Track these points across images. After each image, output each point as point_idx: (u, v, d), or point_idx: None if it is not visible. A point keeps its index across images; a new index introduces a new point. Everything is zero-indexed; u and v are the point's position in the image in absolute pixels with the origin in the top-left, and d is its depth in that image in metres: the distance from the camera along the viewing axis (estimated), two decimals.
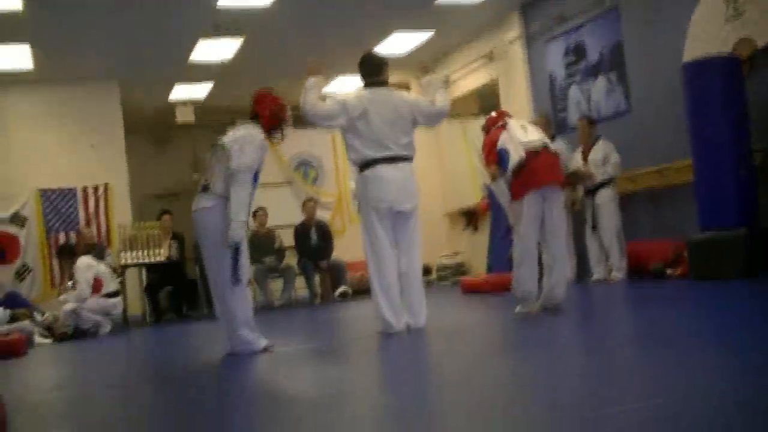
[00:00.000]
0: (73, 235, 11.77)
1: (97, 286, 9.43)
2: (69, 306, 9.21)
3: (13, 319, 8.67)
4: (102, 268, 9.64)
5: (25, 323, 8.65)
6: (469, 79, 12.91)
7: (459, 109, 12.96)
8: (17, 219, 11.66)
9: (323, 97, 5.99)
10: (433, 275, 13.19)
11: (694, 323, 4.99)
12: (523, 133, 6.11)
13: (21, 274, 11.57)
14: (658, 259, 8.42)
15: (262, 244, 11.43)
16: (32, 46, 10.03)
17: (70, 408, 4.31)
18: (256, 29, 10.56)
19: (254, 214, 11.28)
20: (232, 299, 5.41)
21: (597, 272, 9.10)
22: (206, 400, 4.04)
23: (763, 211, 7.43)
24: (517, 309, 6.18)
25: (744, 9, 7.84)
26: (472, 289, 9.54)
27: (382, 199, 5.82)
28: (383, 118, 5.87)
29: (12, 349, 7.41)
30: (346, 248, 11.98)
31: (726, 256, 7.28)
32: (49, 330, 8.96)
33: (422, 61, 6.79)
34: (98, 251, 9.93)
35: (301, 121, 6.24)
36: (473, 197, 13.01)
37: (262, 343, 5.50)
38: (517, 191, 6.02)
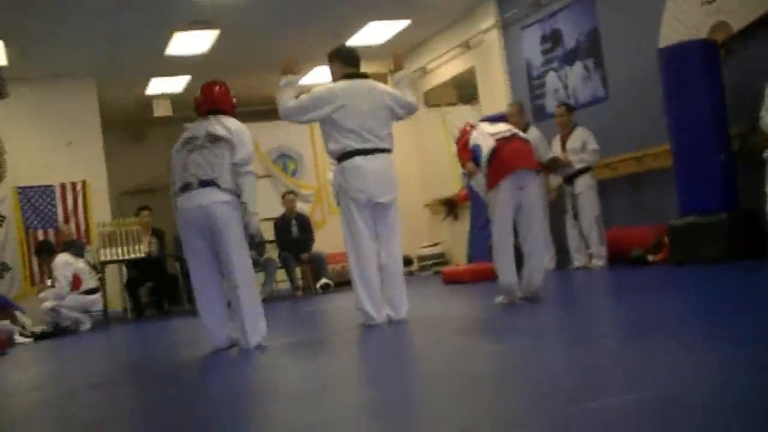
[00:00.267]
0: (51, 232, 11.69)
1: (76, 283, 9.39)
2: (48, 304, 9.17)
3: None
4: (81, 265, 9.60)
5: (6, 323, 8.59)
6: (446, 68, 12.88)
7: (437, 99, 12.93)
8: None
9: (299, 94, 5.96)
10: (414, 266, 13.18)
11: (678, 309, 4.99)
12: (491, 127, 6.31)
13: (0, 273, 11.46)
14: (638, 246, 8.43)
15: None
16: (6, 44, 9.91)
17: (48, 410, 4.25)
18: (231, 21, 10.50)
19: None
20: (255, 289, 5.54)
21: (577, 260, 9.12)
22: (189, 398, 4.01)
23: (743, 194, 7.45)
24: (497, 299, 6.17)
25: None
26: (453, 279, 9.55)
27: (361, 190, 5.79)
28: (362, 110, 5.83)
29: None
30: (327, 240, 11.93)
31: (708, 240, 7.31)
32: (24, 329, 8.90)
33: (396, 49, 6.74)
34: (77, 248, 9.88)
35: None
36: (453, 187, 12.99)
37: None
38: (491, 179, 6.03)
